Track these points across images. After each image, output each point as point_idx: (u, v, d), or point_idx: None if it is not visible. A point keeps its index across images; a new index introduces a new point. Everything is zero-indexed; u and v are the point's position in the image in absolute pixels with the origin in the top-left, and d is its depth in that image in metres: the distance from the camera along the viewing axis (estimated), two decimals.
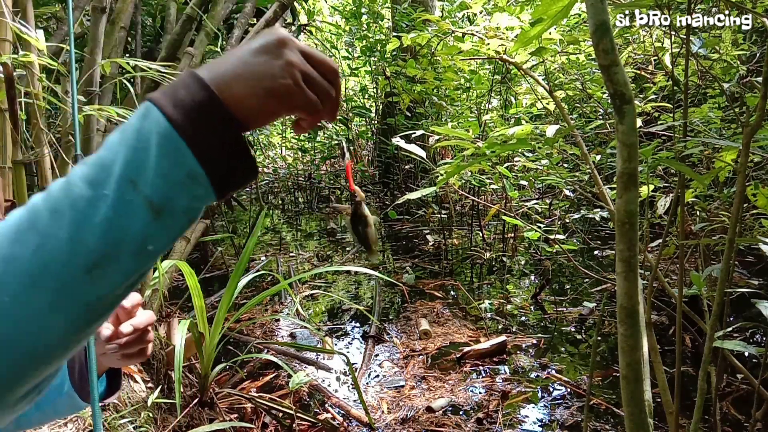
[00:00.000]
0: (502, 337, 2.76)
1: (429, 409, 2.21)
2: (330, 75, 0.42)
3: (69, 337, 0.35)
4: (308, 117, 0.43)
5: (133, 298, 0.63)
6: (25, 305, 0.32)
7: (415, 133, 2.34)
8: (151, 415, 1.87)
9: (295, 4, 4.53)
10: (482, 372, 2.55)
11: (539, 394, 2.32)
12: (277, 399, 2.24)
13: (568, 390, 2.34)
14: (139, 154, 0.34)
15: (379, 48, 5.77)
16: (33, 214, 0.34)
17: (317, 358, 2.75)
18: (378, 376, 2.57)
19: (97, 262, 0.34)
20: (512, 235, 4.98)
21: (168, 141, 0.35)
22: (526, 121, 4.28)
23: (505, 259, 4.40)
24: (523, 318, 3.24)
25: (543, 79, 2.23)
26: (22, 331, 0.32)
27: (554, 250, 3.09)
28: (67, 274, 0.33)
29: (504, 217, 2.74)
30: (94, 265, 0.33)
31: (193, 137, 0.35)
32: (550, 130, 1.49)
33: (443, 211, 5.45)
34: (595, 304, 3.22)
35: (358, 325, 3.26)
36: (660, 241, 1.90)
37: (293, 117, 0.44)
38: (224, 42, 3.12)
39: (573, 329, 3.00)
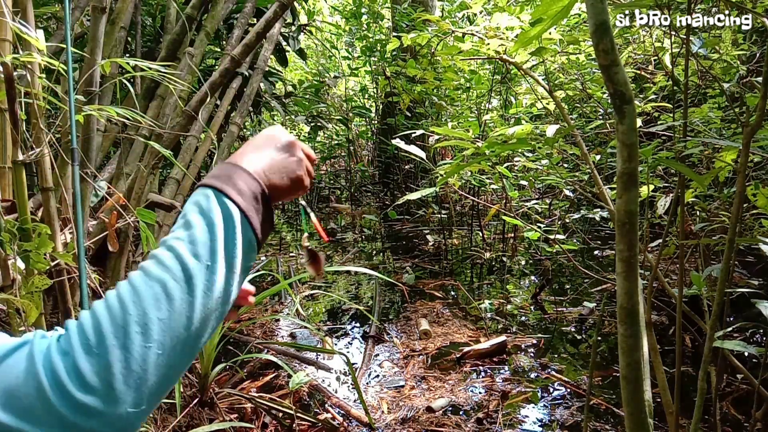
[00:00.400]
0: (502, 337, 2.76)
1: (429, 409, 2.21)
2: (313, 163, 0.61)
3: (189, 365, 0.48)
4: (301, 193, 0.59)
5: None
6: (174, 352, 0.44)
7: (415, 133, 2.34)
8: (151, 415, 1.87)
9: (295, 4, 4.53)
10: (482, 372, 2.55)
11: (539, 394, 2.32)
12: (277, 399, 2.24)
13: (568, 390, 2.34)
14: (224, 232, 0.48)
15: (379, 48, 5.77)
16: (163, 284, 0.45)
17: (317, 358, 2.75)
18: (378, 376, 2.57)
19: (210, 314, 0.47)
20: (512, 235, 4.98)
21: (241, 222, 0.49)
22: (526, 121, 4.28)
23: (505, 259, 4.40)
24: (523, 318, 3.24)
25: (543, 79, 2.23)
26: (172, 368, 0.44)
27: (554, 250, 3.09)
28: (195, 326, 0.46)
29: (504, 217, 2.74)
30: (207, 318, 0.47)
31: (252, 218, 0.50)
32: (550, 130, 1.49)
33: (443, 211, 5.45)
34: (595, 304, 3.22)
35: (358, 325, 3.26)
36: (660, 241, 1.90)
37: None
38: (224, 42, 3.12)
39: (573, 329, 3.00)
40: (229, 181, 0.50)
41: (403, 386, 2.45)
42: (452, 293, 3.72)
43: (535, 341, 2.85)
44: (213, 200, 0.49)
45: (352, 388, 2.45)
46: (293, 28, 4.52)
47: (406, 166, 6.59)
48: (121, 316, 0.42)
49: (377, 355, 2.80)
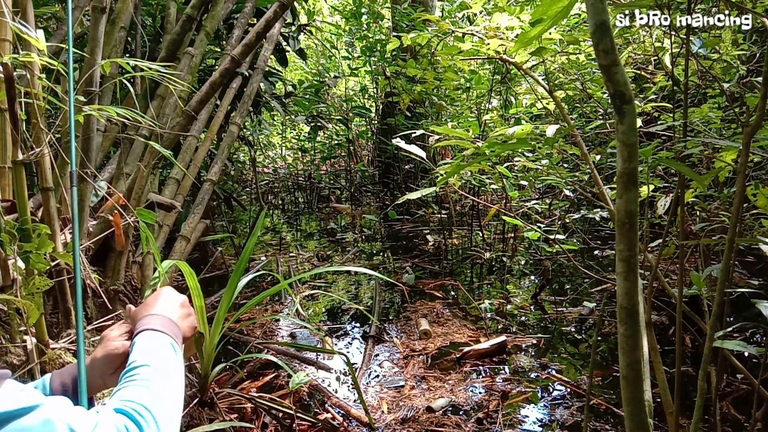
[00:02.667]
0: (502, 337, 2.76)
1: (429, 409, 2.21)
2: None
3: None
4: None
5: None
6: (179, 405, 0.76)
7: (415, 133, 2.34)
8: None
9: (295, 4, 4.53)
10: (482, 372, 2.55)
11: (539, 394, 2.32)
12: (277, 399, 2.24)
13: (568, 390, 2.34)
14: (174, 349, 0.82)
15: (379, 48, 5.77)
16: (169, 391, 0.74)
17: (317, 358, 2.75)
18: (378, 376, 2.57)
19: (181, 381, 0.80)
20: (512, 235, 4.98)
21: (174, 346, 0.83)
22: (526, 121, 4.28)
23: (505, 259, 4.40)
24: (523, 318, 3.24)
25: (543, 79, 2.23)
26: (179, 409, 0.75)
27: (554, 250, 3.09)
28: (181, 394, 0.78)
29: (504, 217, 2.74)
30: (180, 383, 0.79)
31: (179, 345, 0.85)
32: (550, 130, 1.49)
33: (443, 211, 5.45)
34: (595, 304, 3.22)
35: (358, 325, 3.26)
36: (660, 241, 1.90)
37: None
38: (224, 42, 3.11)
39: (573, 329, 3.00)
40: (169, 330, 0.85)
41: (403, 386, 2.45)
42: (452, 293, 3.72)
43: (535, 341, 2.85)
44: (168, 340, 0.82)
45: (352, 388, 2.45)
46: (293, 28, 4.52)
47: (406, 166, 6.59)
48: (164, 411, 0.70)
49: (377, 355, 2.80)
